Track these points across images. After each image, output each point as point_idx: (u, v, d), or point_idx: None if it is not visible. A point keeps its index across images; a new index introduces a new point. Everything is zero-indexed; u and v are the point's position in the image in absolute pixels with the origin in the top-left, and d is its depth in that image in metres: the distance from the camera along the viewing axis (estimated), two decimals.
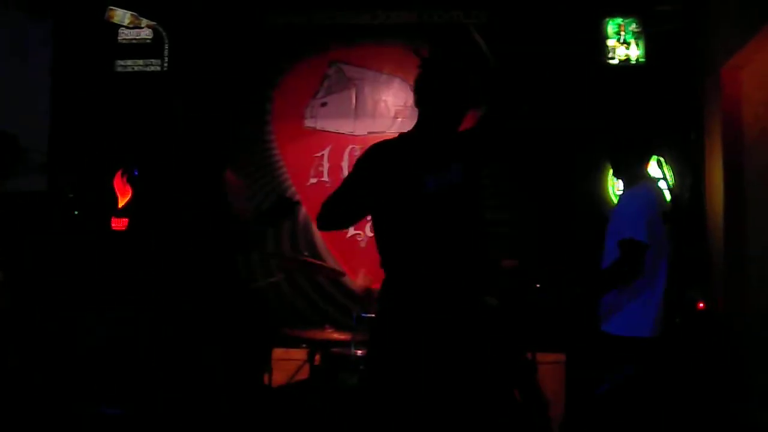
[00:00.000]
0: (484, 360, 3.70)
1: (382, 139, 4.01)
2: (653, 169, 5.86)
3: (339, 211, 3.95)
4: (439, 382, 3.69)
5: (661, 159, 5.85)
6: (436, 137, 3.87)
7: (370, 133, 7.24)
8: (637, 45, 6.74)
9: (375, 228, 3.93)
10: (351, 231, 7.24)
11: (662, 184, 5.78)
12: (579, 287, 4.75)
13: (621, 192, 4.85)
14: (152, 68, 7.01)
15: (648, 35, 6.71)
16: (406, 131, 3.98)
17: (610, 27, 6.78)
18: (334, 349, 5.78)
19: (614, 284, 4.50)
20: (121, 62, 7.04)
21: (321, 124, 7.46)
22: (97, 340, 5.95)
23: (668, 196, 5.78)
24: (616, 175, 4.92)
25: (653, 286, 4.54)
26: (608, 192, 6.76)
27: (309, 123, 7.46)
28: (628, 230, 4.45)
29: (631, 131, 4.82)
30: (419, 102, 3.96)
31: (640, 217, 4.47)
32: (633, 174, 4.72)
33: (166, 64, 7.02)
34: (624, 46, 6.74)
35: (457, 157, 3.75)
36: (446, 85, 3.90)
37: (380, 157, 3.92)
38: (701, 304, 5.98)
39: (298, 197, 7.25)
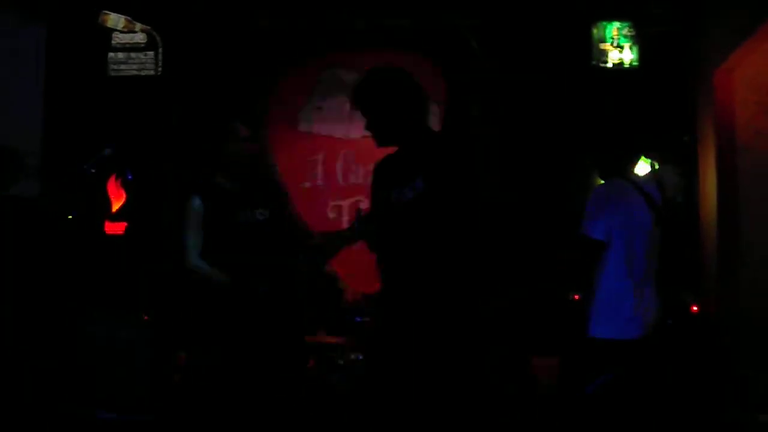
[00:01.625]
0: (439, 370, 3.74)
1: (385, 155, 4.07)
2: (644, 171, 5.89)
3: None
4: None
5: (655, 162, 5.86)
6: (403, 152, 3.90)
7: (364, 137, 7.15)
8: (631, 49, 6.74)
9: None
10: None
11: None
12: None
13: None
14: (146, 72, 7.00)
15: (641, 39, 6.71)
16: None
17: (604, 31, 6.77)
18: (328, 353, 5.80)
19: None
20: (114, 66, 7.03)
21: (315, 128, 7.46)
22: (92, 343, 5.95)
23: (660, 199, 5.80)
24: (602, 177, 4.90)
25: (641, 287, 4.54)
26: None
27: (303, 127, 7.47)
28: (583, 226, 4.49)
29: (614, 133, 4.82)
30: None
31: (597, 214, 4.49)
32: (615, 175, 4.71)
33: (159, 68, 7.03)
34: (618, 50, 6.74)
35: (419, 170, 3.76)
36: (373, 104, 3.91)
37: (375, 173, 4.06)
38: (695, 307, 5.98)
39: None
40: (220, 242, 4.73)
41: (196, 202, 4.77)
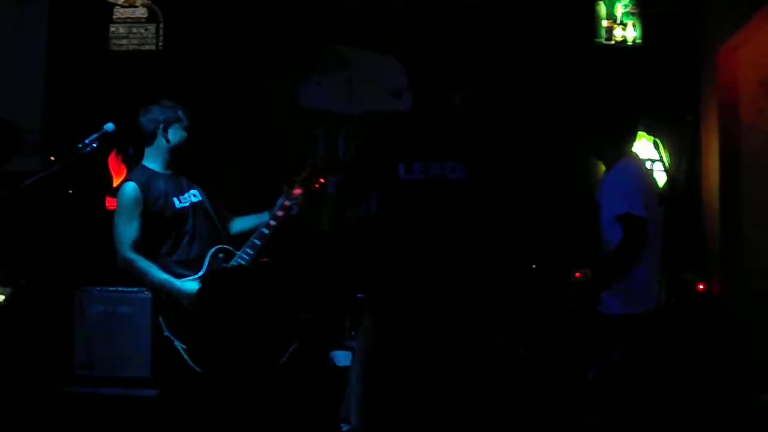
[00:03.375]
0: (458, 347, 3.75)
1: (384, 120, 4.05)
2: (647, 150, 5.88)
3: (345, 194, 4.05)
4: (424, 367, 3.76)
5: (658, 141, 5.84)
6: (431, 123, 3.86)
7: (364, 113, 7.18)
8: (634, 26, 6.71)
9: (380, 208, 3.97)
10: None
11: (658, 166, 5.79)
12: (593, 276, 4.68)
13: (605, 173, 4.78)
14: (147, 47, 6.96)
15: (645, 16, 6.69)
16: (406, 112, 4.00)
17: (608, 8, 6.75)
18: (326, 331, 5.80)
19: (627, 264, 4.45)
20: (115, 41, 7.00)
21: (315, 104, 7.42)
22: (93, 319, 5.95)
23: (664, 178, 5.80)
24: (598, 156, 4.84)
25: (654, 264, 4.52)
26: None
27: (304, 103, 7.43)
28: (622, 206, 4.42)
29: (612, 110, 4.77)
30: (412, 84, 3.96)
31: (635, 191, 4.44)
32: (615, 153, 4.66)
33: (161, 43, 6.99)
34: (621, 27, 6.71)
35: (457, 154, 3.76)
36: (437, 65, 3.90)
37: (379, 138, 3.99)
38: (701, 286, 5.98)
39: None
40: (157, 230, 4.68)
41: (131, 188, 4.69)
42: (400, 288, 3.84)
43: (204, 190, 4.89)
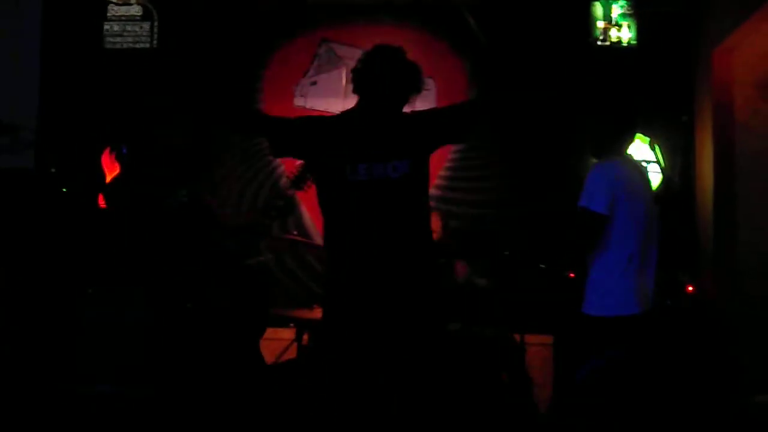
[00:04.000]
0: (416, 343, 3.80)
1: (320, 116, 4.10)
2: (642, 151, 5.88)
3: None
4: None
5: (653, 141, 5.83)
6: (376, 124, 3.87)
7: None
8: (629, 27, 6.72)
9: (319, 205, 3.99)
10: None
11: (654, 167, 5.79)
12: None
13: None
14: (141, 45, 6.95)
15: (640, 17, 6.70)
16: (347, 110, 4.01)
17: (602, 8, 6.75)
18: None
19: (570, 250, 4.55)
20: (110, 39, 6.98)
21: (310, 103, 7.41)
22: (87, 318, 5.92)
23: (659, 178, 5.80)
24: (596, 155, 4.83)
25: (639, 265, 4.51)
26: None
27: (298, 102, 7.42)
28: (583, 200, 4.45)
29: (613, 111, 4.77)
30: (359, 88, 3.96)
31: (600, 188, 4.45)
32: (608, 153, 4.65)
33: (155, 41, 6.98)
34: (615, 28, 6.72)
35: (401, 151, 3.79)
36: (388, 70, 3.90)
37: (318, 132, 3.94)
38: (690, 288, 5.99)
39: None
40: (154, 230, 4.71)
41: (129, 192, 4.73)
42: (347, 290, 3.86)
43: (198, 189, 4.91)
